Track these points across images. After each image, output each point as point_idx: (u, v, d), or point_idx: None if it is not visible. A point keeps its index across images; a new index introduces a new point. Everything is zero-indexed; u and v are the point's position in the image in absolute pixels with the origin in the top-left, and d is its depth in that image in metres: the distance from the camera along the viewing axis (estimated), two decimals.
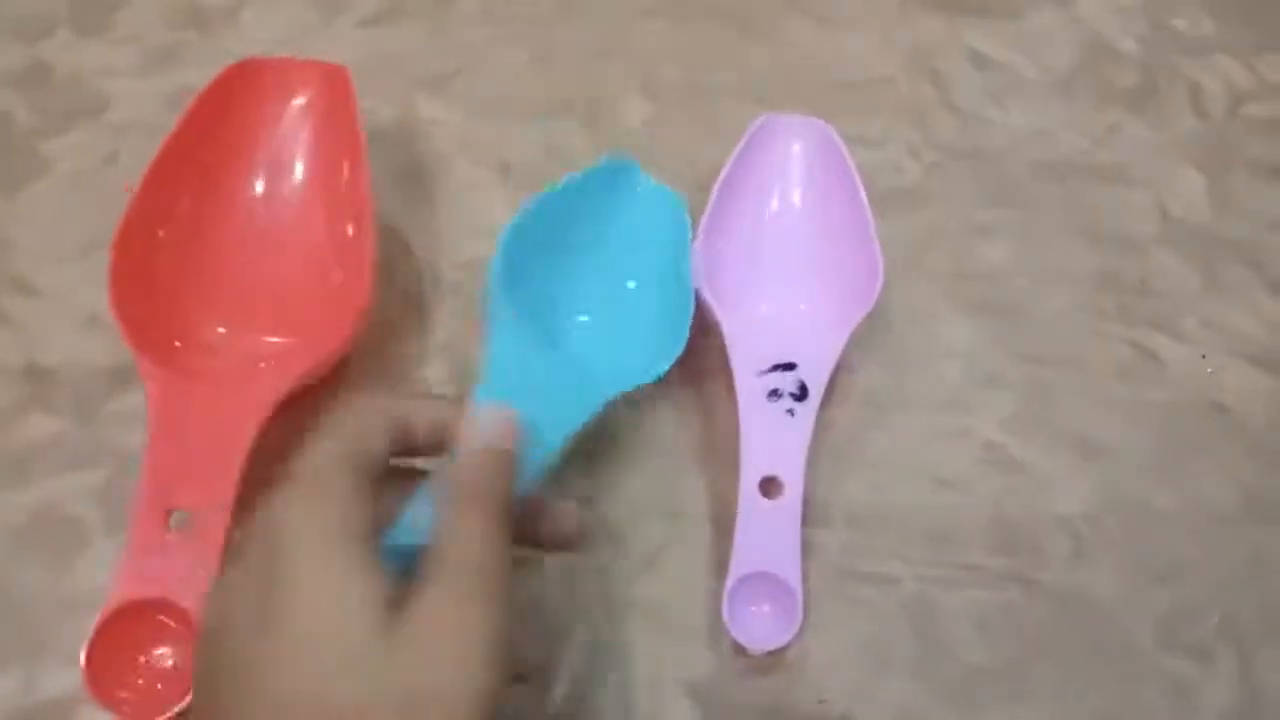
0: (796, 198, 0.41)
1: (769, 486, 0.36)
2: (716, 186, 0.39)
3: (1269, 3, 0.48)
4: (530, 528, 0.31)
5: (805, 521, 0.36)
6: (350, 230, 0.39)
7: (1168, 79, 0.46)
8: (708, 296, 0.38)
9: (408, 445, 0.30)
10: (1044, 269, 0.42)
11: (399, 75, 0.46)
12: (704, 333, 0.38)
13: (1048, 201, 0.43)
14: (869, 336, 0.39)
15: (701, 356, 0.38)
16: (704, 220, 0.39)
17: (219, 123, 0.40)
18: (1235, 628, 0.35)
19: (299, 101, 0.41)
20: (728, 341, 0.37)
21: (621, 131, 0.45)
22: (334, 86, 0.40)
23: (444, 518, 0.28)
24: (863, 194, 0.39)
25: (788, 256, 0.40)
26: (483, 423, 0.30)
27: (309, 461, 0.28)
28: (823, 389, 0.37)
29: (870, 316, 0.37)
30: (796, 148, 0.41)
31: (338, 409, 0.30)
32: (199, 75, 0.40)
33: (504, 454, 0.30)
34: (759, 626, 0.35)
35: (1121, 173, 0.44)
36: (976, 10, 0.48)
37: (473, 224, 0.43)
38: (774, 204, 0.41)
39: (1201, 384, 0.40)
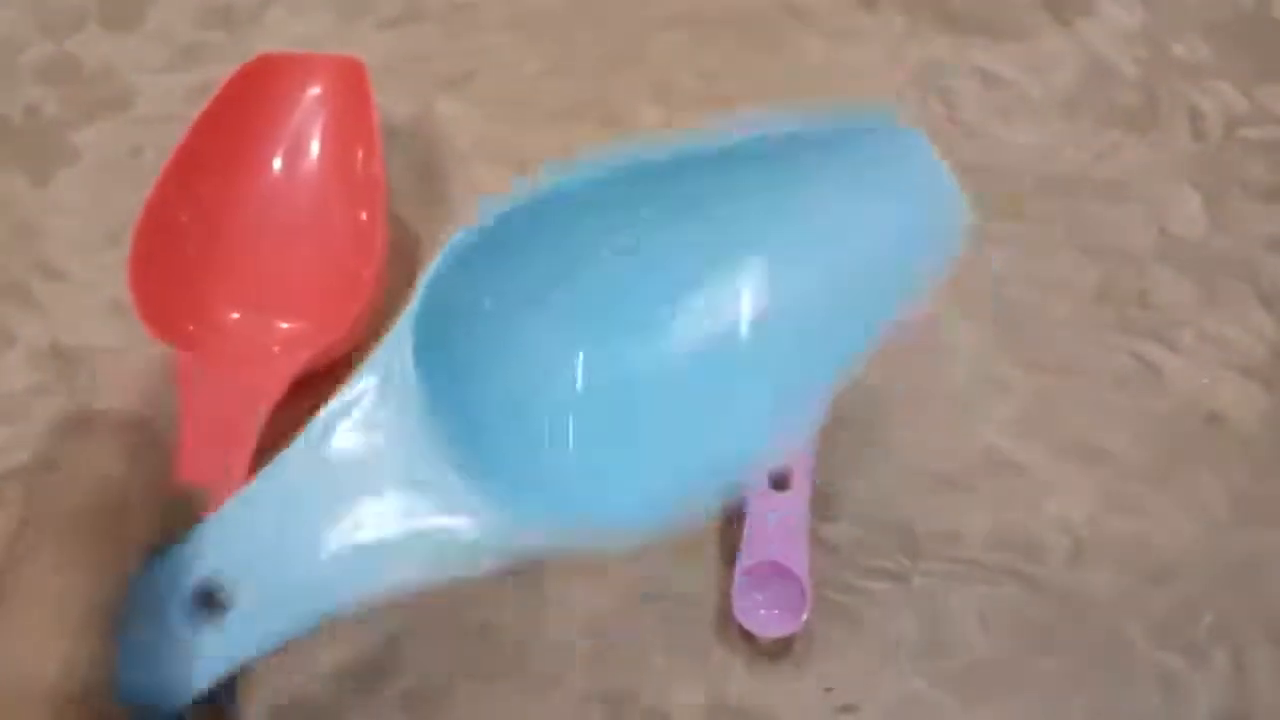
0: None
1: (779, 479, 0.37)
2: None
3: (1262, 35, 0.50)
4: None
5: (814, 516, 0.36)
6: (364, 216, 0.40)
7: (1167, 101, 0.47)
8: None
9: None
10: (1046, 279, 0.43)
11: (417, 75, 0.47)
12: None
13: (1050, 215, 0.44)
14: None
15: None
16: None
17: (239, 113, 0.41)
18: (1228, 627, 0.36)
19: (315, 92, 0.42)
20: None
21: (635, 135, 0.46)
22: (349, 78, 0.41)
23: None
24: None
25: None
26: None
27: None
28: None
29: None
30: None
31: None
32: (223, 72, 0.41)
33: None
34: (767, 615, 0.35)
35: (1122, 189, 0.45)
36: (983, 31, 0.49)
37: None
38: None
39: (1197, 393, 0.41)
